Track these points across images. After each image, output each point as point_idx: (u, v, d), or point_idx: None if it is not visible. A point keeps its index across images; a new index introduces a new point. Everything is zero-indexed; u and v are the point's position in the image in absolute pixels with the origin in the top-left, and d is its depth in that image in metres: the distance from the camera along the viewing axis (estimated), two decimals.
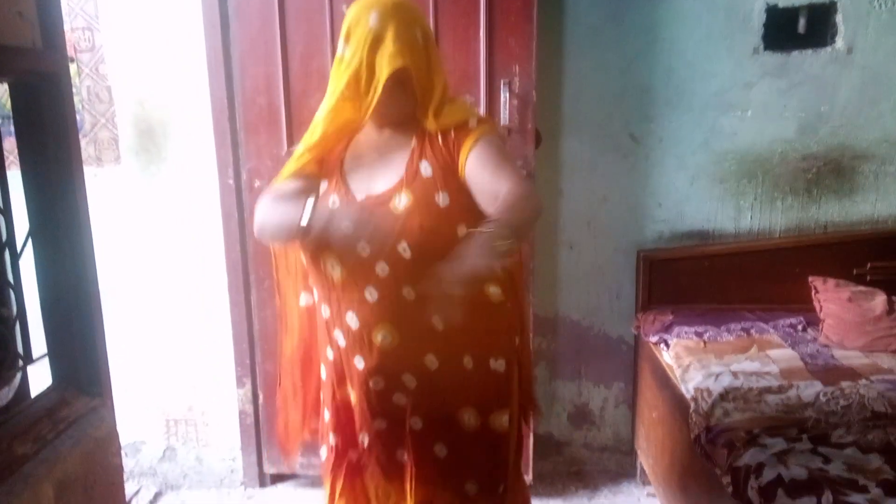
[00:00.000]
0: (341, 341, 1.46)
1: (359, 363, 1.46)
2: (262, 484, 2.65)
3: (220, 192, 2.39)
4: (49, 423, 1.37)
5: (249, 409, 2.56)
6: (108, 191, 2.43)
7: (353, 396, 1.51)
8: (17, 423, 1.34)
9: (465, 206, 1.35)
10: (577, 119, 2.42)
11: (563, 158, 2.44)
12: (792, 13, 2.35)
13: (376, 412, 1.50)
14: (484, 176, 1.33)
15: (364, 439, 1.55)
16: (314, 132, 1.45)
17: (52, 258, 1.43)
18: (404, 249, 1.34)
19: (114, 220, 2.43)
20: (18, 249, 1.39)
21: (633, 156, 2.45)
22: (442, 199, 1.35)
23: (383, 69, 1.30)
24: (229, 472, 2.68)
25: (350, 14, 1.36)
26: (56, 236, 1.43)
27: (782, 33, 2.36)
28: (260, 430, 2.59)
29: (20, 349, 1.40)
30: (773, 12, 2.34)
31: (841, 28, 2.35)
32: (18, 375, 1.42)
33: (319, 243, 1.35)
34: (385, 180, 1.39)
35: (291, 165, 1.47)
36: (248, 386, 2.54)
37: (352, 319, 1.42)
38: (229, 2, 2.26)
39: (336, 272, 1.39)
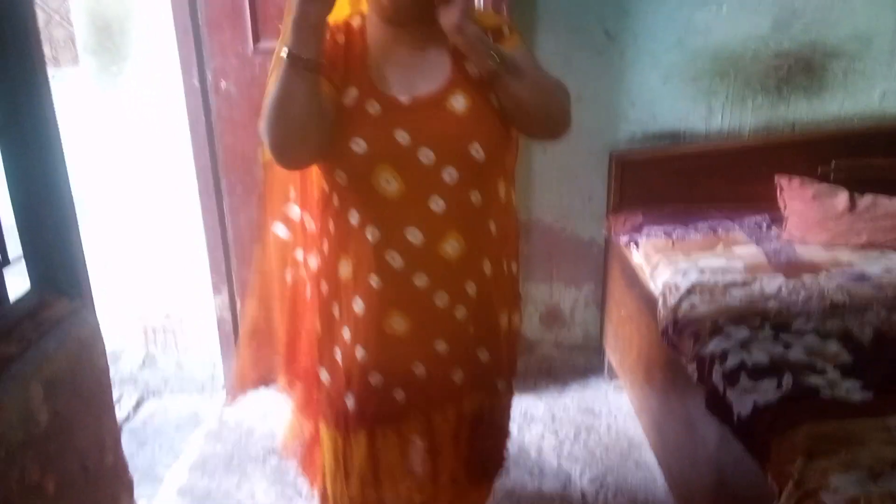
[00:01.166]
0: (397, 262, 1.31)
1: (420, 281, 1.33)
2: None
3: (184, 94, 2.31)
4: (32, 324, 1.37)
5: (227, 315, 2.58)
6: (67, 93, 2.33)
7: (404, 324, 1.36)
8: (0, 325, 1.34)
9: (501, 109, 1.30)
10: (551, 14, 2.36)
11: (538, 55, 2.38)
12: None
13: (437, 332, 1.39)
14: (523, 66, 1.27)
15: (415, 369, 1.40)
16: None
17: (21, 158, 1.39)
18: (477, 151, 1.26)
19: (75, 124, 2.35)
20: None
21: (608, 53, 2.42)
22: (494, 100, 1.28)
23: None
24: (210, 377, 2.72)
25: None
26: (23, 135, 1.38)
27: None
28: (238, 336, 2.62)
29: None
30: None
31: None
32: None
33: (371, 154, 1.22)
34: (428, 81, 1.26)
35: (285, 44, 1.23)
36: (225, 293, 2.55)
37: (414, 235, 1.29)
38: None
39: (392, 186, 1.25)
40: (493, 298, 1.42)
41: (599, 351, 2.73)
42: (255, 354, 1.60)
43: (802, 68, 2.45)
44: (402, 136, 1.23)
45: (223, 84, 2.30)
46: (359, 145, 1.22)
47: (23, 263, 1.47)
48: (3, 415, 1.19)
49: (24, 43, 1.36)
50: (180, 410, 2.63)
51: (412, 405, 1.41)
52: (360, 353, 1.37)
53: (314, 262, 1.44)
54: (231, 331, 2.60)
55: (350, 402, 1.39)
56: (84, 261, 1.55)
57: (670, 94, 2.46)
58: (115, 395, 2.62)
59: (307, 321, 1.50)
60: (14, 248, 1.42)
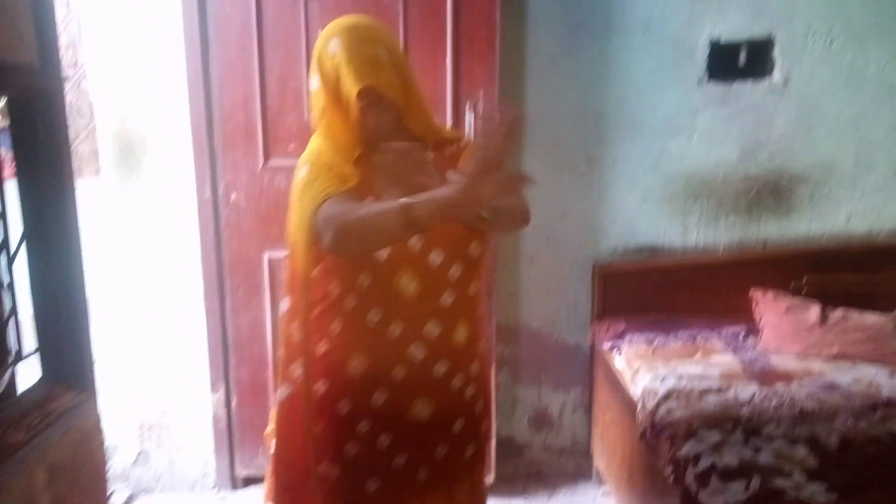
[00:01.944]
0: (420, 354, 1.42)
1: (441, 368, 1.44)
2: (235, 486, 2.72)
3: (197, 204, 2.49)
4: (39, 414, 1.47)
5: (223, 413, 2.64)
6: (87, 201, 2.51)
7: (427, 410, 1.45)
8: (10, 413, 1.44)
9: None
10: (537, 140, 2.59)
11: None
12: (733, 47, 2.56)
13: (455, 413, 1.49)
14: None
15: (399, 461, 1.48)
16: (333, 153, 1.43)
17: (44, 261, 1.54)
18: (474, 248, 1.44)
19: (93, 230, 2.52)
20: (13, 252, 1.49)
21: (589, 175, 2.63)
22: None
23: (350, 92, 1.34)
24: (202, 475, 2.75)
25: (316, 48, 1.41)
26: (48, 240, 1.53)
27: (725, 65, 2.57)
28: (233, 434, 2.67)
29: (12, 345, 1.49)
30: (716, 46, 2.54)
31: (779, 61, 2.56)
32: (10, 370, 1.51)
33: (391, 259, 1.36)
34: (421, 191, 1.34)
35: (332, 180, 1.38)
36: (222, 391, 2.63)
37: (433, 329, 1.42)
38: (209, 23, 2.38)
39: (411, 287, 1.40)
40: (489, 370, 1.59)
41: (588, 454, 2.76)
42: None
43: (770, 191, 2.64)
44: (415, 242, 1.38)
45: (233, 196, 2.48)
46: (381, 253, 1.37)
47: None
48: (7, 497, 1.26)
49: (57, 159, 1.54)
50: None
51: (436, 483, 1.51)
52: (383, 440, 1.45)
53: (300, 369, 1.49)
54: (225, 428, 2.65)
55: (375, 484, 1.47)
56: (92, 357, 1.66)
57: (648, 212, 2.65)
58: None
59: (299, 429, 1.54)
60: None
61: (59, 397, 1.55)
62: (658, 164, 2.61)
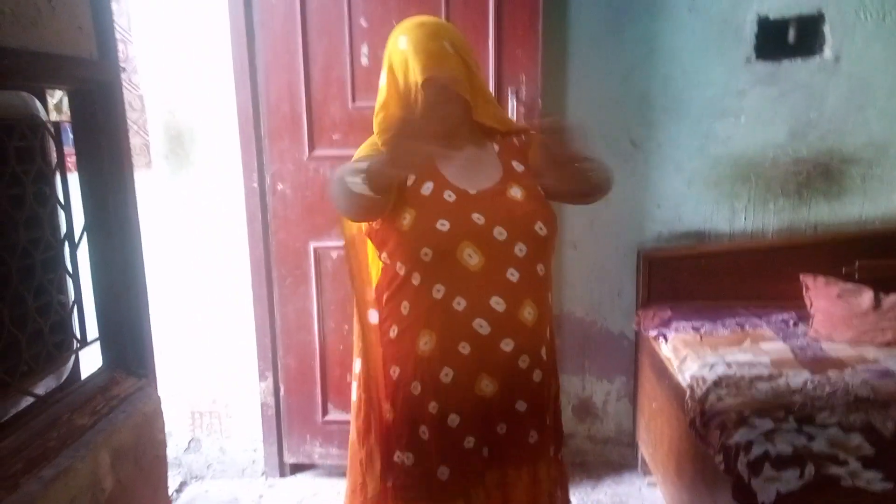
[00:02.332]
0: (485, 329, 1.44)
1: (507, 346, 1.46)
2: (283, 473, 2.78)
3: (244, 195, 2.54)
4: (102, 399, 1.52)
5: (271, 401, 2.70)
6: (139, 193, 2.58)
7: (492, 387, 1.47)
8: (75, 398, 1.49)
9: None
10: (580, 124, 2.57)
11: None
12: (782, 24, 2.50)
13: (519, 393, 1.50)
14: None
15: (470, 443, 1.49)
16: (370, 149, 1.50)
17: (105, 251, 1.59)
18: (540, 228, 1.46)
19: (144, 220, 2.58)
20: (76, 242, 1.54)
21: (633, 160, 2.60)
22: (539, 189, 1.50)
23: (416, 82, 1.39)
24: (251, 462, 2.81)
25: (387, 46, 1.48)
26: (109, 231, 1.58)
27: (773, 43, 2.51)
28: (281, 422, 2.73)
29: (76, 333, 1.55)
30: (764, 24, 2.49)
31: (829, 38, 2.49)
32: (73, 357, 1.56)
33: (453, 233, 1.41)
34: (487, 177, 1.48)
35: (363, 153, 1.49)
36: (270, 379, 2.68)
37: (498, 303, 1.44)
38: (255, 15, 2.42)
39: (474, 259, 1.43)
40: (556, 362, 1.59)
41: (632, 444, 2.75)
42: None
43: (821, 173, 2.58)
44: (477, 217, 1.42)
45: (279, 186, 2.52)
46: (444, 225, 1.41)
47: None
48: (75, 479, 1.31)
49: (116, 151, 1.58)
50: (221, 495, 2.71)
51: (494, 460, 1.51)
52: (453, 419, 1.47)
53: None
54: (273, 416, 2.71)
55: (445, 472, 1.48)
56: (151, 344, 1.71)
57: (694, 196, 2.61)
58: None
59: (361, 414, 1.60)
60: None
61: (120, 383, 1.60)
62: (704, 146, 2.57)
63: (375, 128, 1.52)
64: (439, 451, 1.48)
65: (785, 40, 2.51)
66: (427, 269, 1.45)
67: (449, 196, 1.44)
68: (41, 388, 1.46)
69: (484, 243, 1.43)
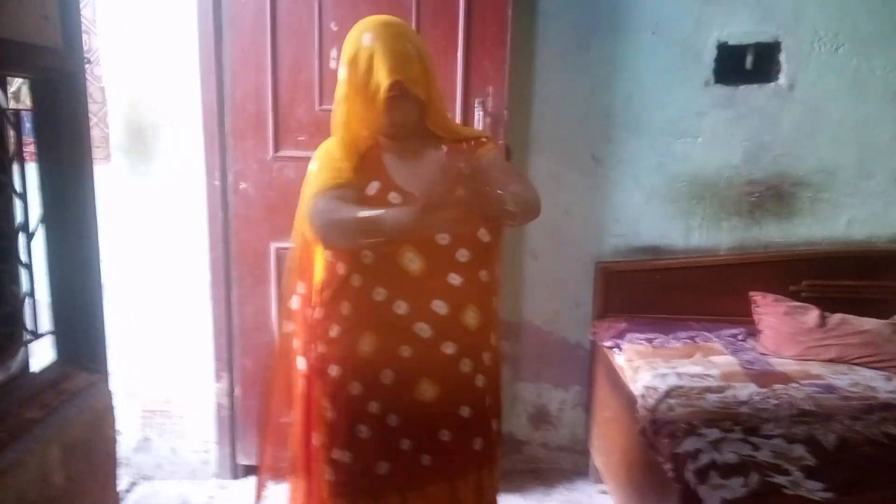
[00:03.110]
0: (426, 332, 1.46)
1: (448, 349, 1.48)
2: (235, 475, 2.75)
3: (206, 193, 2.51)
4: (53, 393, 1.49)
5: (226, 401, 2.67)
6: (97, 187, 2.53)
7: (433, 391, 1.48)
8: (25, 391, 1.46)
9: None
10: (544, 138, 2.62)
11: (531, 173, 2.63)
12: (740, 50, 2.59)
13: (463, 399, 1.52)
14: (497, 174, 1.49)
15: (402, 445, 1.52)
16: (338, 148, 1.52)
17: (62, 243, 1.56)
18: (483, 234, 1.48)
19: (101, 214, 2.53)
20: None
21: (594, 174, 2.66)
22: (488, 193, 1.50)
23: (382, 83, 1.40)
24: (202, 463, 2.77)
25: (347, 40, 1.48)
26: (66, 223, 1.55)
27: (731, 68, 2.60)
28: (235, 423, 2.69)
29: (28, 325, 1.51)
30: (723, 49, 2.58)
31: (784, 66, 2.60)
32: (24, 349, 1.53)
33: (397, 237, 1.40)
34: (432, 179, 1.44)
35: (329, 175, 1.49)
36: (226, 380, 2.65)
37: (440, 307, 1.46)
38: (223, 13, 2.40)
39: (415, 264, 1.45)
40: (500, 368, 1.59)
41: (585, 452, 2.79)
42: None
43: (773, 195, 2.68)
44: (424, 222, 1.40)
45: (242, 185, 2.50)
46: None
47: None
48: (23, 473, 1.28)
49: (77, 142, 1.56)
50: (170, 496, 2.66)
51: (438, 471, 1.52)
52: (392, 420, 1.49)
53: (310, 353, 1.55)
54: (228, 416, 2.67)
55: (384, 468, 1.50)
56: (105, 339, 1.68)
57: (651, 212, 2.68)
58: None
59: (301, 411, 1.60)
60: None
61: (72, 377, 1.57)
62: (663, 164, 2.64)
63: (333, 121, 1.54)
64: (377, 449, 1.51)
65: (743, 66, 2.61)
66: (368, 272, 1.47)
67: (394, 198, 1.46)
68: None
69: (425, 248, 1.45)
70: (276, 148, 2.48)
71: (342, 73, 1.48)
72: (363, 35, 1.44)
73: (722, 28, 2.56)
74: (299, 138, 2.47)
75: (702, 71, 2.59)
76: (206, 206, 2.53)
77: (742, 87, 2.61)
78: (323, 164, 1.52)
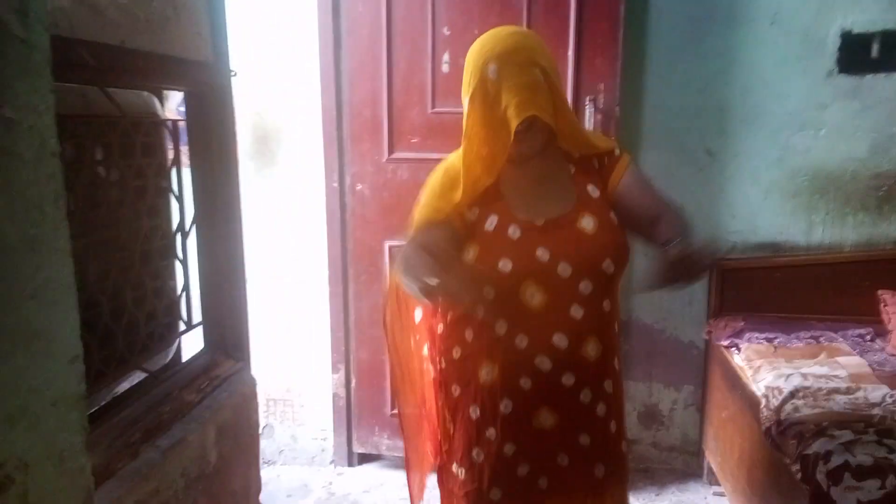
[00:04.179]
0: (546, 365, 1.44)
1: (567, 380, 1.46)
2: (351, 463, 2.88)
3: (325, 194, 2.65)
4: (206, 378, 1.63)
5: (342, 392, 2.80)
6: None
7: (552, 420, 1.48)
8: (182, 376, 1.60)
9: (620, 225, 1.47)
10: (656, 133, 2.59)
11: (644, 170, 2.60)
12: (866, 39, 2.47)
13: (581, 426, 1.50)
14: (644, 198, 1.46)
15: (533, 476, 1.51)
16: (446, 179, 1.48)
17: (211, 241, 1.70)
18: (608, 265, 1.41)
19: None
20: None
21: (709, 169, 2.60)
22: (613, 217, 1.45)
23: (511, 121, 1.33)
24: (320, 450, 2.91)
25: (469, 66, 1.39)
26: (215, 222, 1.69)
27: (856, 57, 2.48)
28: (350, 413, 2.82)
29: (184, 316, 1.66)
30: (847, 38, 2.47)
31: None
32: (179, 338, 1.68)
33: (517, 272, 1.38)
34: (558, 205, 1.43)
35: (430, 210, 1.46)
36: (342, 371, 2.78)
37: (560, 340, 1.43)
38: (342, 23, 2.53)
39: (536, 299, 1.40)
40: (623, 392, 1.57)
41: (698, 454, 2.75)
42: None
43: None
44: (542, 254, 1.39)
45: (358, 186, 2.62)
46: (506, 265, 1.38)
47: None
48: (187, 451, 1.41)
49: (225, 149, 1.70)
50: (292, 480, 2.82)
51: (554, 491, 1.51)
52: (508, 448, 1.48)
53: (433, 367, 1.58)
54: (344, 407, 2.80)
55: (497, 494, 1.50)
56: (248, 330, 1.82)
57: (770, 208, 2.60)
58: None
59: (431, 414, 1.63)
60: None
61: (220, 364, 1.71)
62: (782, 158, 2.56)
63: (459, 155, 1.46)
64: (492, 475, 1.50)
65: (868, 55, 2.48)
66: (489, 306, 1.44)
67: (513, 232, 1.41)
68: (152, 366, 1.57)
69: (547, 281, 1.40)
70: (391, 150, 2.58)
71: (466, 104, 1.41)
72: (487, 66, 1.35)
73: (846, 16, 2.45)
74: (412, 140, 2.56)
75: (824, 61, 2.49)
76: (324, 206, 2.66)
77: (868, 77, 2.49)
78: (428, 196, 1.48)
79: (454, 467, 1.56)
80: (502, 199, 1.44)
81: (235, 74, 1.64)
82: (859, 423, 1.80)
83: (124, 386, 1.51)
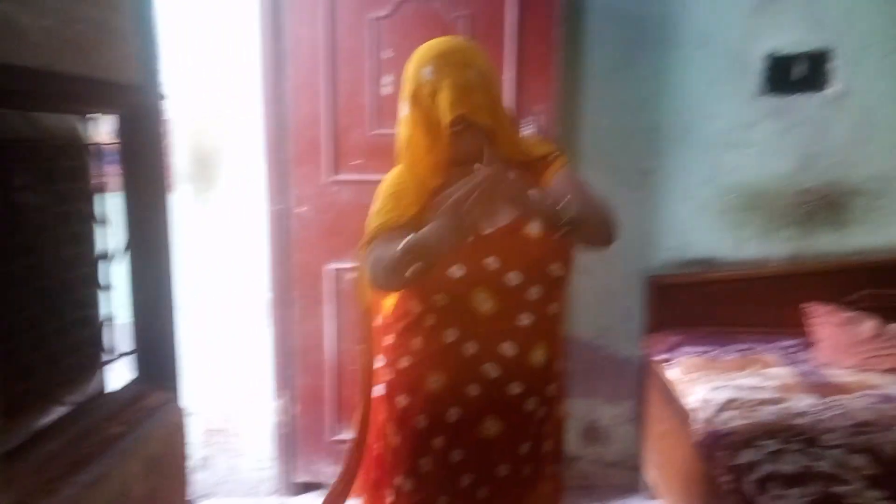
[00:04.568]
0: (494, 373, 1.46)
1: (515, 389, 1.48)
2: (293, 493, 2.81)
3: (268, 216, 2.61)
4: (133, 410, 1.59)
5: (284, 420, 2.74)
6: None
7: (497, 428, 1.50)
8: (108, 408, 1.55)
9: None
10: (593, 153, 2.65)
11: (577, 174, 2.65)
12: (790, 60, 2.59)
13: (525, 435, 1.53)
14: (557, 186, 1.46)
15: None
16: (405, 183, 1.49)
17: (142, 268, 1.66)
18: (555, 269, 1.44)
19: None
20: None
21: (644, 188, 2.67)
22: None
23: (444, 118, 1.36)
24: (261, 481, 2.84)
25: (408, 71, 1.44)
26: (145, 249, 1.65)
27: (781, 78, 2.60)
28: (293, 441, 2.77)
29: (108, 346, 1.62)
30: (772, 59, 2.58)
31: (835, 74, 2.58)
32: (102, 369, 1.63)
33: (468, 279, 1.39)
34: (503, 211, 1.41)
35: (386, 217, 1.47)
36: (284, 398, 2.73)
37: (509, 348, 1.46)
38: (284, 44, 2.51)
39: (486, 305, 1.43)
40: (563, 394, 1.61)
41: (637, 468, 2.79)
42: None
43: (826, 204, 2.65)
44: (492, 262, 1.41)
45: (302, 209, 2.60)
46: (458, 270, 1.41)
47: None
48: (109, 486, 1.37)
49: (155, 173, 1.67)
50: None
51: (491, 500, 1.54)
52: (455, 456, 1.50)
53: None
54: (286, 435, 2.75)
55: (443, 502, 1.52)
56: (178, 359, 1.78)
57: (702, 224, 2.68)
58: None
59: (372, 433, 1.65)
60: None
61: (149, 395, 1.66)
62: (713, 176, 2.65)
63: (399, 155, 1.51)
64: (439, 484, 1.52)
65: (792, 76, 2.60)
66: (441, 313, 1.47)
67: None
68: (75, 399, 1.52)
69: (497, 288, 1.42)
70: (335, 171, 2.57)
71: (404, 110, 1.45)
72: (423, 69, 1.40)
73: (770, 39, 2.57)
74: (355, 162, 2.56)
75: (751, 82, 2.59)
76: (266, 229, 2.63)
77: (792, 97, 2.60)
78: (383, 202, 1.49)
79: (398, 480, 1.56)
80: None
81: (165, 97, 1.60)
82: (786, 432, 1.86)
83: (48, 420, 1.46)
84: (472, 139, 1.42)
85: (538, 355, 1.49)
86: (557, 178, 1.50)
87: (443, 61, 1.39)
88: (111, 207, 1.65)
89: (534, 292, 1.44)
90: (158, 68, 1.63)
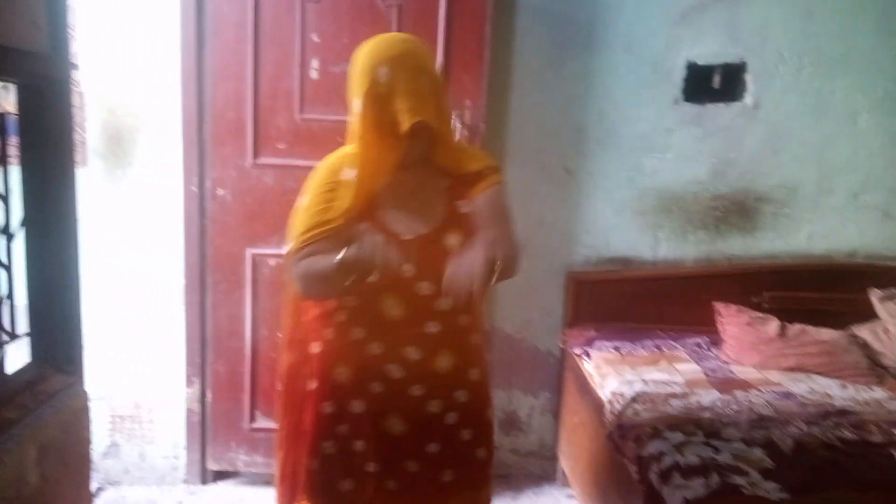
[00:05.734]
0: (397, 374, 1.49)
1: (417, 391, 1.50)
2: (204, 481, 2.74)
3: (183, 198, 2.52)
4: (30, 394, 1.50)
5: (197, 407, 2.67)
6: None
7: (401, 427, 1.52)
8: (2, 392, 1.46)
9: None
10: (519, 150, 2.69)
11: (504, 195, 2.68)
12: (709, 70, 2.69)
13: (430, 435, 1.54)
14: (483, 218, 1.48)
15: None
16: (335, 179, 1.47)
17: (42, 246, 1.58)
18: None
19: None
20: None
21: (567, 187, 2.73)
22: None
23: (403, 125, 1.35)
24: (171, 469, 2.76)
25: (359, 67, 1.41)
26: (47, 226, 1.57)
27: (700, 87, 2.70)
28: (206, 429, 2.70)
29: (5, 326, 1.52)
30: (692, 69, 2.68)
31: (750, 86, 2.70)
32: (2, 350, 1.54)
33: (380, 284, 1.38)
34: (427, 220, 1.47)
35: (315, 217, 1.46)
36: (197, 385, 2.65)
37: (413, 352, 1.48)
38: (206, 19, 2.43)
39: (395, 311, 1.46)
40: (484, 400, 1.62)
41: (554, 458, 2.85)
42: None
43: (737, 210, 2.78)
44: (407, 269, 1.42)
45: (219, 191, 2.52)
46: (371, 275, 1.38)
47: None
48: (3, 471, 1.29)
49: (61, 147, 1.58)
50: (139, 501, 2.65)
51: (401, 495, 1.55)
52: (359, 446, 1.52)
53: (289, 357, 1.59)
54: (198, 422, 2.67)
55: (348, 485, 1.53)
56: (81, 342, 1.70)
57: (621, 224, 2.76)
58: None
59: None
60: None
61: (48, 379, 1.58)
62: (633, 178, 2.73)
63: (351, 149, 1.47)
64: (343, 467, 1.54)
65: (710, 85, 2.71)
66: (351, 312, 1.49)
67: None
68: None
69: (407, 296, 1.45)
70: (256, 155, 2.51)
71: (356, 106, 1.42)
72: (378, 69, 1.37)
73: (691, 48, 2.66)
74: (279, 146, 2.50)
75: (671, 89, 2.68)
76: (182, 211, 2.54)
77: (709, 106, 2.71)
78: (314, 199, 1.47)
79: (306, 460, 1.57)
80: (379, 210, 1.47)
81: (76, 68, 1.52)
82: (690, 425, 1.94)
83: None
84: (419, 145, 1.44)
85: (443, 361, 1.51)
86: (484, 197, 1.51)
87: (399, 64, 1.38)
88: (16, 181, 1.56)
89: (444, 303, 1.45)
90: (67, 37, 1.54)
